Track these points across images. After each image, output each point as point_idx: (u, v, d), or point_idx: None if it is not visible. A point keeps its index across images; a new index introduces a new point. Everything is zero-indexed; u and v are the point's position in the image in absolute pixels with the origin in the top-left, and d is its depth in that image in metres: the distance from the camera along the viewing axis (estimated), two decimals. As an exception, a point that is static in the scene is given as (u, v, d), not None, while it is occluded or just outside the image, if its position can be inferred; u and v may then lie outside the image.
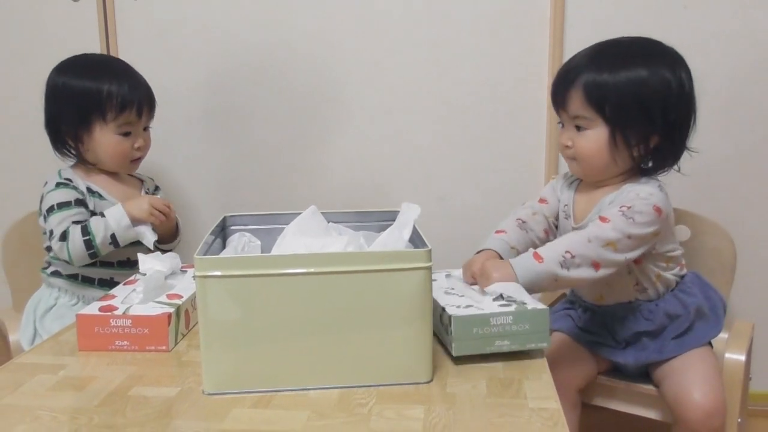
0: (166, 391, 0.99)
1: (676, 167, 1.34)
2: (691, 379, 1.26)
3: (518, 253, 1.29)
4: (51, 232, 1.48)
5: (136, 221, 1.48)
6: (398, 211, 1.17)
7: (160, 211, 1.50)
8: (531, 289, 1.15)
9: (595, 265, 1.20)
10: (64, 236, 1.46)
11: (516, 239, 1.33)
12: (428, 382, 1.00)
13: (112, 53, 1.86)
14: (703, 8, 1.66)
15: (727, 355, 1.33)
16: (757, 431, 1.75)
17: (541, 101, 1.76)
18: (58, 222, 1.48)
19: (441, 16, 1.77)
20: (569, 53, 1.69)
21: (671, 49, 1.31)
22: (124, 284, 1.31)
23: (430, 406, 0.93)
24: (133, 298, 1.21)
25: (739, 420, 1.31)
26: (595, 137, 1.29)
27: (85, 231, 1.45)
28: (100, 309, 1.16)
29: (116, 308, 1.17)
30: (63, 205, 1.50)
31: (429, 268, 0.98)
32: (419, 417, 0.90)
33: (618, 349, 1.37)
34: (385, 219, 1.22)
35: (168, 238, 1.60)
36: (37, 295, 1.59)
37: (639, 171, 1.34)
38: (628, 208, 1.24)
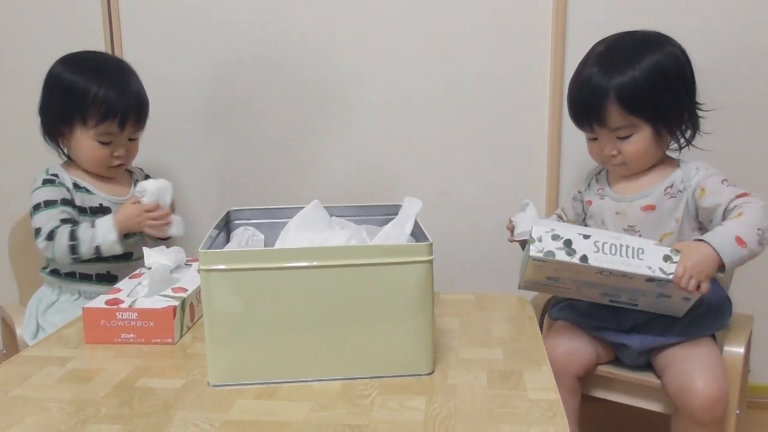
0: (172, 382, 1.01)
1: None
2: (694, 367, 1.26)
3: None
4: (38, 230, 1.47)
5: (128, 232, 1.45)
6: (400, 206, 1.18)
7: (155, 218, 1.44)
8: (727, 268, 1.18)
9: None
10: (51, 236, 1.45)
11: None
12: (430, 374, 1.02)
13: (116, 47, 1.87)
14: (706, 5, 1.66)
15: (727, 347, 1.33)
16: (756, 423, 1.76)
17: (544, 97, 1.76)
18: (45, 220, 1.47)
19: (444, 13, 1.77)
20: (571, 49, 1.71)
21: (654, 31, 1.35)
22: (130, 278, 1.32)
23: (431, 397, 0.95)
24: (138, 292, 1.22)
25: (738, 411, 1.31)
26: (641, 138, 1.32)
27: (73, 236, 1.44)
28: (107, 302, 1.18)
29: (122, 301, 1.18)
30: (49, 204, 1.49)
31: (430, 262, 0.99)
32: (421, 408, 0.92)
33: (622, 333, 1.37)
34: (388, 213, 1.24)
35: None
36: (39, 292, 1.60)
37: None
38: (726, 179, 1.28)
